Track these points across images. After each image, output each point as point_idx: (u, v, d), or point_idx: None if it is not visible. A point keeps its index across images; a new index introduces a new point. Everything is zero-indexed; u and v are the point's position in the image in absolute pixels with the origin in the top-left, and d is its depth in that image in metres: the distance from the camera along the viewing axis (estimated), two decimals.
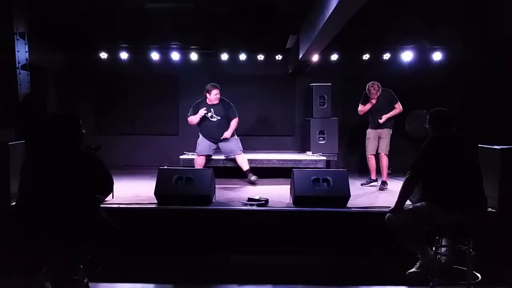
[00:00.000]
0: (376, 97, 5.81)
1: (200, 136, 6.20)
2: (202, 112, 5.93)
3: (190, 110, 6.11)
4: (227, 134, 6.08)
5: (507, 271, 3.55)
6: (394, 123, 5.99)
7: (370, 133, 6.00)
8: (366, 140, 6.02)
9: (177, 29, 6.93)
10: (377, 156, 6.00)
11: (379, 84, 5.81)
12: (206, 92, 6.00)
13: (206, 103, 6.02)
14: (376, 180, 6.07)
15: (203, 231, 4.31)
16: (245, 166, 6.14)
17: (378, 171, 6.04)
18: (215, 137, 6.12)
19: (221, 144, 6.16)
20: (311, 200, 4.51)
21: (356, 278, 3.72)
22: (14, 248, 3.22)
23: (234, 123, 6.14)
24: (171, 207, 4.46)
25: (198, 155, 6.13)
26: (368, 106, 5.90)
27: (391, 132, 5.91)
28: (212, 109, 6.02)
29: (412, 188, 3.28)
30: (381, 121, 5.82)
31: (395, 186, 5.93)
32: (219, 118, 6.05)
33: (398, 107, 5.86)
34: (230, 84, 8.07)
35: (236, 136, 6.27)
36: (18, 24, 4.68)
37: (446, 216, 3.06)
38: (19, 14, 4.74)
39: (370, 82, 5.82)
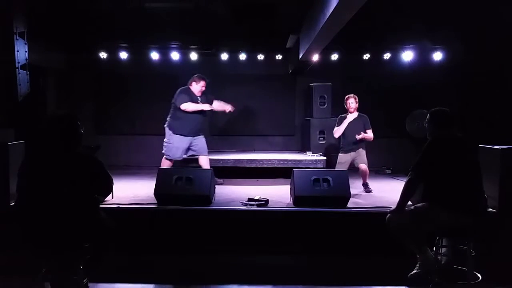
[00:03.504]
0: (353, 110, 5.73)
1: (174, 136, 5.79)
2: (207, 107, 5.71)
3: (183, 96, 5.72)
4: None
5: (507, 271, 3.54)
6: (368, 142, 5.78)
7: (342, 157, 5.77)
8: (337, 165, 5.78)
9: (177, 29, 6.93)
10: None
11: (356, 98, 5.77)
12: (193, 81, 5.79)
13: (192, 92, 5.81)
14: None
15: (203, 231, 4.31)
16: (207, 168, 5.80)
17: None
18: (196, 132, 5.82)
19: (196, 141, 5.85)
20: (311, 200, 4.51)
21: (356, 278, 3.72)
22: (14, 248, 3.21)
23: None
24: (170, 207, 4.46)
25: (171, 159, 5.79)
26: (344, 124, 5.71)
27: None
28: (199, 100, 5.82)
29: (414, 189, 3.27)
30: (358, 137, 5.60)
31: (395, 186, 5.95)
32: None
33: (370, 134, 5.66)
34: (230, 84, 8.09)
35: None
36: (18, 24, 4.68)
37: (447, 217, 3.06)
38: (19, 14, 4.73)
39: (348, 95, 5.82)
